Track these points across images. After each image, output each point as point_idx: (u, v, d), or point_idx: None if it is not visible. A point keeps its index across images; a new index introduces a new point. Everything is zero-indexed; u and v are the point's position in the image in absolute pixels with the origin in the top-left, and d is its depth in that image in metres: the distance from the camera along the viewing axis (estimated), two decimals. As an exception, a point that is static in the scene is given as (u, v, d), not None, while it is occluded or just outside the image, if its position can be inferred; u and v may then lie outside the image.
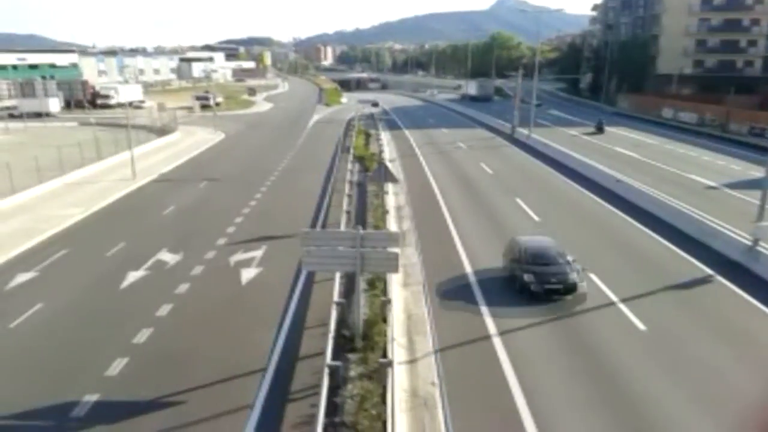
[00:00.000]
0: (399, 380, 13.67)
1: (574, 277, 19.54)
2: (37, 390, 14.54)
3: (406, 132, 67.58)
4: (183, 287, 20.99)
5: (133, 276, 22.17)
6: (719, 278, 21.41)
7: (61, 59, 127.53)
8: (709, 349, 16.33)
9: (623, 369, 15.24)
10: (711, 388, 14.38)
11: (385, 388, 13.28)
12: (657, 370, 15.15)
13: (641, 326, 17.54)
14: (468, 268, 22.52)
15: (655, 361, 15.60)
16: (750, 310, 19.00)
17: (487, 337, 16.97)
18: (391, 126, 74.35)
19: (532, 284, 19.43)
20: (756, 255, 22.33)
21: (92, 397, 14.08)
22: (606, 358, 15.79)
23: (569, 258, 20.35)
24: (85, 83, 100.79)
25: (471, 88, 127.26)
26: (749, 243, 22.93)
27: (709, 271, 22.03)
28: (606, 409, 13.54)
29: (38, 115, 77.80)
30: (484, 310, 18.72)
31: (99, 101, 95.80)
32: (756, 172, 39.74)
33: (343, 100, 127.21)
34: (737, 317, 18.51)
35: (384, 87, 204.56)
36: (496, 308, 18.80)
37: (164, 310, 19.05)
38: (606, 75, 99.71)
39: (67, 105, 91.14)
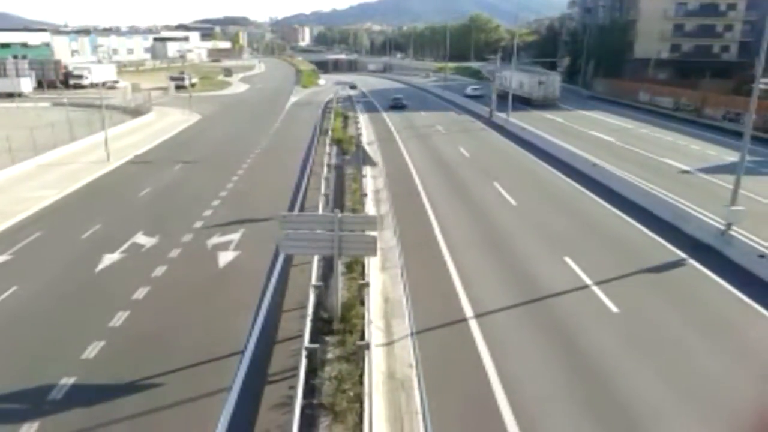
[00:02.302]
0: (376, 362, 13.79)
1: (406, 103, 74.59)
2: (13, 373, 14.47)
3: (384, 115, 67.44)
4: (159, 270, 20.87)
5: (108, 259, 21.99)
6: (692, 262, 21.76)
7: (34, 38, 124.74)
8: (680, 331, 16.65)
9: (595, 349, 15.52)
10: (680, 366, 14.72)
11: (362, 370, 13.39)
12: (629, 350, 15.46)
13: (614, 309, 17.82)
14: (446, 252, 22.70)
15: (627, 342, 15.90)
16: (721, 292, 19.36)
17: (464, 320, 17.16)
18: (369, 109, 74.13)
19: (393, 104, 73.79)
20: (728, 239, 22.70)
21: (69, 380, 14.03)
22: (579, 339, 16.03)
23: (403, 98, 75.75)
24: (57, 63, 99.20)
25: (520, 82, 74.23)
26: (722, 227, 23.30)
27: (682, 255, 22.39)
28: (578, 386, 13.78)
29: (10, 96, 76.40)
30: (461, 292, 18.93)
31: (72, 81, 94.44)
32: (730, 156, 40.37)
33: (321, 81, 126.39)
34: (709, 300, 18.86)
35: (385, 69, 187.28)
36: (473, 291, 19.01)
37: (141, 293, 18.95)
38: (583, 59, 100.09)
39: (40, 85, 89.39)
